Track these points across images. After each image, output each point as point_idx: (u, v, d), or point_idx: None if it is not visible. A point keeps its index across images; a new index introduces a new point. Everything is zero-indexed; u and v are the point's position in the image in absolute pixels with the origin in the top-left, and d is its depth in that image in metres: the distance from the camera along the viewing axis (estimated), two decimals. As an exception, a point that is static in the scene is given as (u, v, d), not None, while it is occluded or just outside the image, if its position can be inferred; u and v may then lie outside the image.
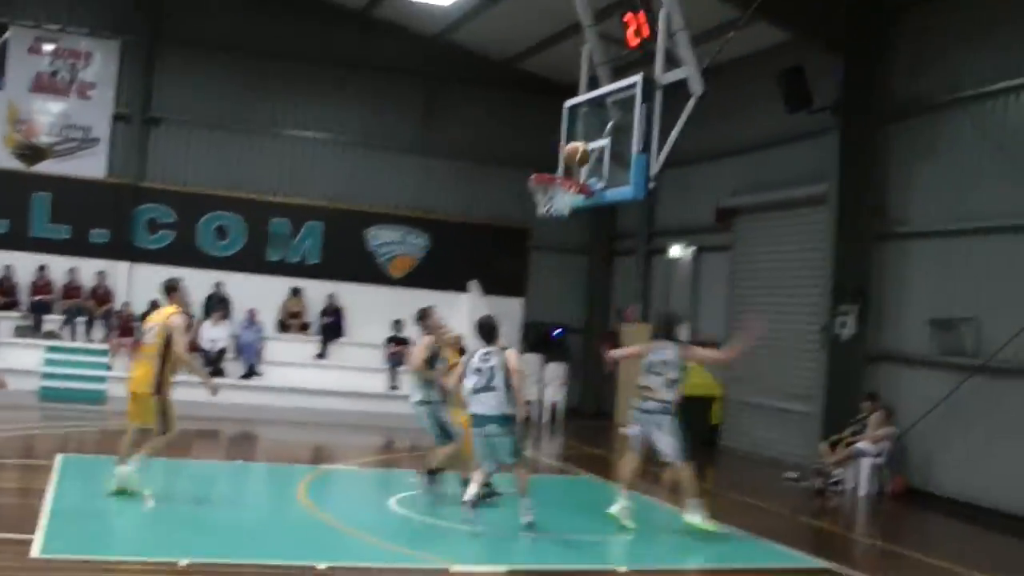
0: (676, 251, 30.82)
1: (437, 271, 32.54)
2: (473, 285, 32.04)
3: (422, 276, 32.49)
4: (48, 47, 29.92)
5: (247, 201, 31.35)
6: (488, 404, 13.99)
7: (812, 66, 23.09)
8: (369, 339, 31.05)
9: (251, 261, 31.28)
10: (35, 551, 10.81)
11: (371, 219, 32.43)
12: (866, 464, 20.82)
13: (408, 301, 29.72)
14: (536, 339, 32.83)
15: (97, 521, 13.07)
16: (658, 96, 16.30)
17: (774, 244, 26.37)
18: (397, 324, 30.51)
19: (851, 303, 22.56)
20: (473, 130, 33.12)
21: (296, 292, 31.38)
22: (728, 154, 28.28)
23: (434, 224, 32.95)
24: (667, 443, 14.61)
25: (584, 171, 17.23)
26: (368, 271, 32.20)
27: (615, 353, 16.64)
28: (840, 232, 22.85)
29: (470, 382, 14.18)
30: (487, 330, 14.50)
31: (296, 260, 31.84)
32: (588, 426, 31.29)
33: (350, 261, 32.04)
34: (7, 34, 29.33)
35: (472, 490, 14.12)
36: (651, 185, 16.44)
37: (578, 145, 16.91)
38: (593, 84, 18.54)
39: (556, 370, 31.93)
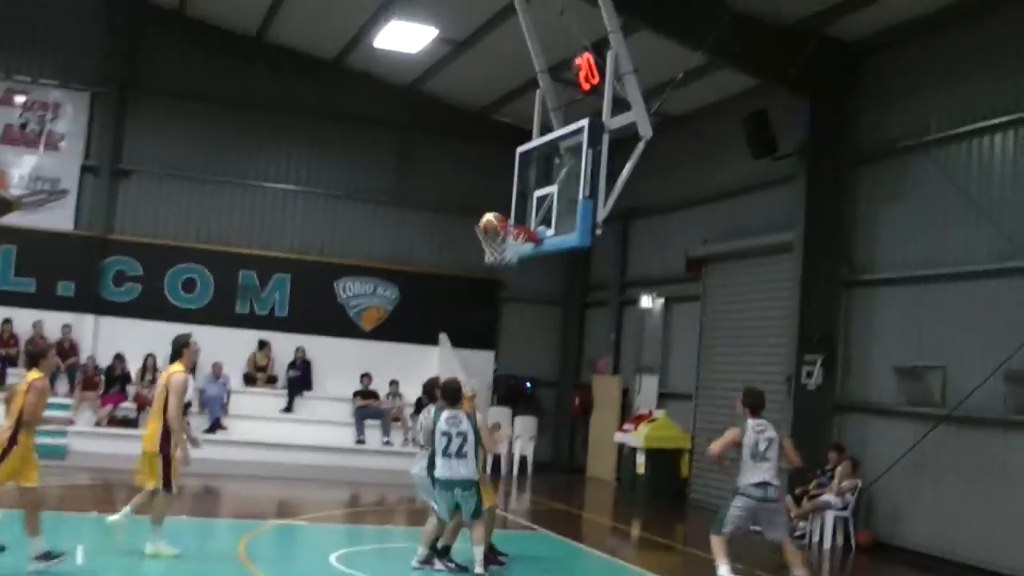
0: (647, 302, 30.65)
1: (408, 323, 32.38)
2: (443, 338, 31.83)
3: (392, 328, 32.32)
4: (19, 99, 29.90)
5: (216, 253, 31.21)
6: (458, 471, 14.13)
7: (779, 111, 22.89)
8: (337, 392, 30.82)
9: (219, 314, 30.95)
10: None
11: (341, 271, 32.23)
12: (831, 517, 20.46)
13: (378, 354, 29.75)
14: (506, 392, 32.44)
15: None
16: (605, 140, 15.99)
17: (742, 293, 26.15)
18: (365, 378, 30.31)
19: (817, 352, 22.24)
20: (446, 180, 32.94)
21: (263, 345, 31.09)
22: (698, 202, 28.13)
23: (405, 276, 32.73)
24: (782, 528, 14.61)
25: (532, 215, 17.05)
26: (338, 324, 31.93)
27: (715, 448, 14.95)
28: (806, 279, 22.57)
29: (439, 444, 14.19)
30: (451, 393, 14.56)
31: (264, 313, 31.61)
32: (558, 480, 30.90)
33: (320, 313, 31.80)
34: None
35: (421, 552, 14.36)
36: (598, 232, 15.97)
37: (489, 217, 16.61)
38: (547, 129, 18.33)
39: (526, 423, 31.42)
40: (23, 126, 29.84)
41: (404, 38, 28.18)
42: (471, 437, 14.20)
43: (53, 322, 29.17)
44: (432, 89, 31.99)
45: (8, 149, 29.85)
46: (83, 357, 29.30)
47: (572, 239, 16.05)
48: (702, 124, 26.32)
